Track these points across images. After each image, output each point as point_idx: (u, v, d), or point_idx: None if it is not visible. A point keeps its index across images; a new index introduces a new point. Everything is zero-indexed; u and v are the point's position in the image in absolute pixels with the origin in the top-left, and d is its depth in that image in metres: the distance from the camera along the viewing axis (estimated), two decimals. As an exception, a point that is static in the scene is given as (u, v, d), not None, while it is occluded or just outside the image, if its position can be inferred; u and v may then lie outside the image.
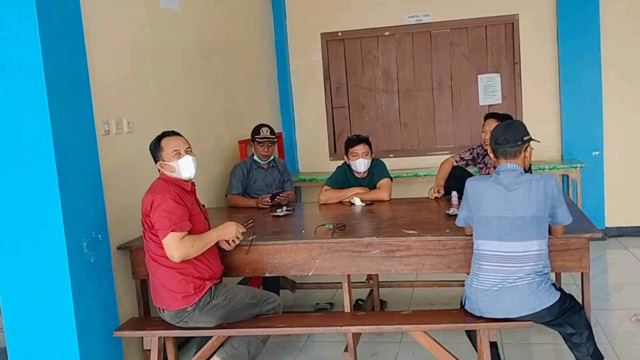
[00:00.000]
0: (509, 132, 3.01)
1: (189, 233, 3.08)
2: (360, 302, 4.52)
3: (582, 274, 3.17)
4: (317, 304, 4.76)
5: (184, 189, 3.21)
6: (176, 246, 3.00)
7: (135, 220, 3.73)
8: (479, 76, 6.54)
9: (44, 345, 3.01)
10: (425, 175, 6.09)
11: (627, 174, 6.16)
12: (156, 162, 3.25)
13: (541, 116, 6.39)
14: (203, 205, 3.43)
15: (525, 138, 3.01)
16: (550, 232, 3.00)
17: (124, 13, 3.84)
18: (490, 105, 6.53)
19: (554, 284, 2.90)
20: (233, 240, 3.31)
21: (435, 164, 6.46)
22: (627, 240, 6.10)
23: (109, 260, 3.30)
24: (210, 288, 3.16)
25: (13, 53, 2.85)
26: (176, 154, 3.19)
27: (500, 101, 6.51)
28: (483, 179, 2.99)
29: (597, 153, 6.16)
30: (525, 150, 3.00)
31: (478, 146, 4.59)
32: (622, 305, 4.40)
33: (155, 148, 3.24)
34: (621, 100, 6.14)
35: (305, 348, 4.05)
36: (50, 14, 2.90)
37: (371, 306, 4.40)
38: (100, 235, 3.23)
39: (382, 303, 4.62)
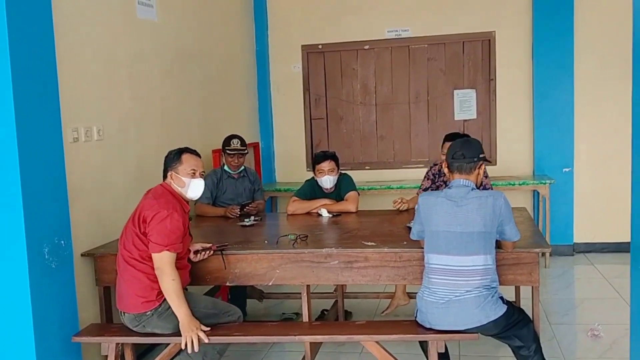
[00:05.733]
0: (466, 148, 3.10)
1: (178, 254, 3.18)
2: (326, 312, 4.59)
3: (532, 288, 3.24)
4: (284, 313, 4.82)
5: (184, 209, 3.29)
6: (170, 265, 3.10)
7: (102, 227, 3.81)
8: (455, 91, 6.64)
9: (1, 349, 3.04)
10: (398, 188, 6.17)
11: (596, 190, 6.28)
12: (167, 171, 3.35)
13: (515, 132, 6.51)
14: (190, 219, 3.51)
15: (480, 156, 3.11)
16: (500, 247, 3.10)
17: (100, 23, 3.91)
18: (465, 120, 6.64)
19: (501, 298, 2.97)
20: (202, 252, 3.41)
21: (410, 177, 6.62)
22: (595, 256, 6.21)
23: (71, 266, 3.34)
24: None
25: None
26: (192, 172, 3.33)
27: (475, 116, 6.62)
28: (434, 194, 3.08)
29: (567, 170, 6.28)
30: (479, 167, 3.09)
31: (433, 166, 4.63)
32: (581, 320, 4.49)
33: (174, 158, 3.36)
34: (592, 119, 6.27)
35: (267, 357, 4.10)
36: (21, 22, 2.95)
37: (335, 316, 4.45)
38: (63, 242, 3.26)
39: (348, 314, 4.69)
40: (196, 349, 3.08)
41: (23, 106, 2.96)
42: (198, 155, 3.45)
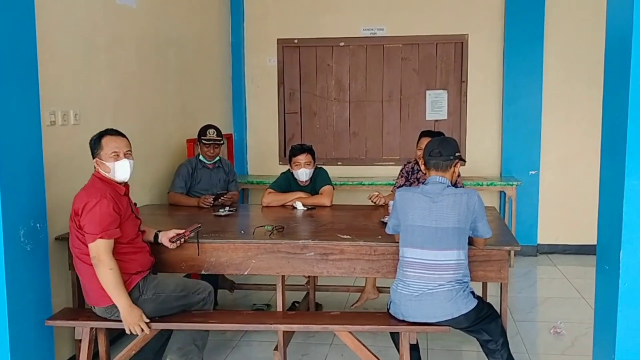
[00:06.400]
0: (443, 147, 3.20)
1: (116, 239, 3.10)
2: (297, 304, 4.64)
3: (501, 284, 3.35)
4: (254, 304, 4.86)
5: (118, 192, 3.21)
6: (106, 253, 3.01)
7: (76, 212, 3.78)
8: (428, 92, 6.76)
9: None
10: (370, 184, 6.25)
11: (560, 194, 6.48)
12: (94, 158, 3.24)
13: (484, 134, 6.66)
14: (135, 204, 3.43)
15: (457, 154, 3.20)
16: (472, 244, 3.19)
17: (80, 7, 3.89)
18: (436, 121, 6.76)
19: (472, 292, 3.07)
20: (177, 240, 3.40)
21: (381, 173, 6.71)
22: (557, 257, 6.41)
23: (46, 250, 3.32)
24: (138, 283, 3.18)
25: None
26: (115, 155, 3.19)
27: (446, 117, 6.74)
28: (411, 189, 3.16)
29: (533, 172, 6.45)
30: (455, 165, 3.18)
31: (407, 163, 4.72)
32: (544, 318, 4.64)
33: (95, 144, 3.23)
34: (559, 123, 6.46)
35: (238, 347, 4.13)
36: (2, 5, 2.93)
37: (306, 308, 4.51)
38: (38, 225, 3.24)
39: (318, 306, 4.75)
40: (147, 332, 3.11)
41: (2, 88, 2.94)
42: (121, 134, 3.28)
